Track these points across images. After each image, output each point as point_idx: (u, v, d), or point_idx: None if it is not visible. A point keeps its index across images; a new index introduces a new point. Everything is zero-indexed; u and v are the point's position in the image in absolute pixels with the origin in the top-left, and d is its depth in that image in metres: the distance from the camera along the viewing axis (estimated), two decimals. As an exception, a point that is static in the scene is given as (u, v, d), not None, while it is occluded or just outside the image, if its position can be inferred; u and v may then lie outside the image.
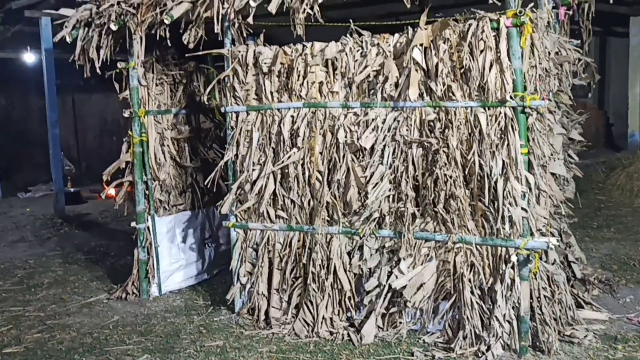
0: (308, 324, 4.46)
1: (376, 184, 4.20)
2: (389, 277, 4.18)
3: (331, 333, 4.34)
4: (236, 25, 4.61)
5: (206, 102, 6.06)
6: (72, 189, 11.00)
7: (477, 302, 3.96)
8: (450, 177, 3.93)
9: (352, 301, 4.43)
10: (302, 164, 4.47)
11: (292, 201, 4.57)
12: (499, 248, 3.90)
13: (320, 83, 4.40)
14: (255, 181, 4.66)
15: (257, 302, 4.72)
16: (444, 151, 3.95)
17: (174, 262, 5.71)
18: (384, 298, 4.22)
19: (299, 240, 4.60)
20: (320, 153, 4.41)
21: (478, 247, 3.97)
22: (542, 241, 3.78)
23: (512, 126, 3.78)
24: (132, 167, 5.48)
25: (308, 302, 4.50)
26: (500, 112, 3.81)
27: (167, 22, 4.69)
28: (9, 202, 11.32)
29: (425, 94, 4.03)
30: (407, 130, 4.08)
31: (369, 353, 4.04)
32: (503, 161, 3.80)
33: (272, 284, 4.69)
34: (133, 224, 5.53)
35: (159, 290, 5.55)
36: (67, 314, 5.17)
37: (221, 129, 6.02)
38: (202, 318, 4.90)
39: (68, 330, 4.78)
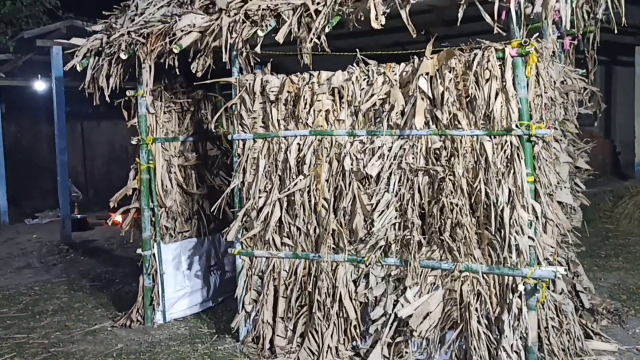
0: (313, 353, 4.42)
1: (382, 211, 4.19)
2: (394, 305, 4.15)
3: (337, 362, 4.30)
4: (244, 54, 4.67)
5: (213, 130, 6.11)
6: (78, 216, 11.04)
7: (484, 332, 3.92)
8: (457, 205, 3.92)
9: (357, 330, 4.39)
10: (308, 192, 4.48)
11: (298, 228, 4.56)
12: (506, 277, 3.87)
13: (327, 111, 4.43)
14: (261, 208, 4.67)
15: (262, 331, 4.69)
16: (450, 179, 3.95)
17: (179, 289, 5.70)
18: (390, 327, 4.18)
19: (304, 268, 4.58)
20: (327, 181, 4.42)
21: (485, 275, 3.94)
22: (549, 270, 3.76)
23: (518, 154, 3.78)
24: (139, 194, 5.50)
25: (313, 330, 4.47)
26: (506, 141, 3.82)
27: (176, 51, 4.76)
28: (16, 228, 11.35)
29: (431, 122, 4.05)
30: (413, 158, 4.09)
31: (374, 383, 3.99)
32: (509, 189, 3.80)
33: (277, 312, 4.66)
34: (139, 250, 5.53)
35: (163, 318, 5.52)
36: (71, 341, 5.14)
37: (228, 156, 6.06)
38: (207, 346, 4.87)
39: (71, 358, 4.75)
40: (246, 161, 4.74)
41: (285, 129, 4.59)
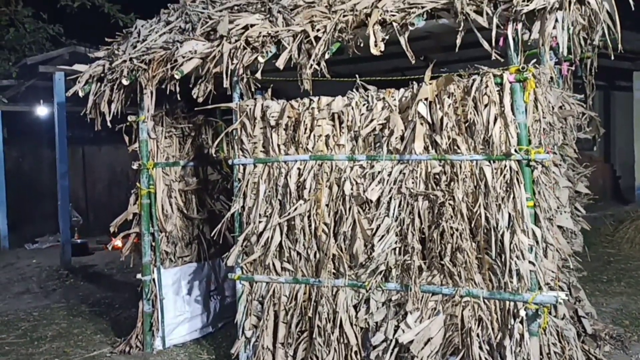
0: (314, 380, 4.37)
1: (382, 236, 4.19)
2: (395, 331, 4.12)
3: (337, 389, 4.25)
4: (244, 80, 4.71)
5: (214, 154, 6.14)
6: (78, 240, 11.02)
7: (485, 358, 3.88)
8: (457, 229, 3.92)
9: (358, 356, 4.35)
10: (309, 216, 4.48)
11: (298, 253, 4.56)
12: (507, 302, 3.85)
13: (327, 136, 4.45)
14: (261, 233, 4.67)
15: (262, 357, 4.65)
16: (449, 204, 3.96)
17: (178, 314, 5.66)
18: (391, 353, 4.15)
19: (304, 293, 4.56)
20: (327, 205, 4.42)
21: (486, 301, 3.92)
22: (550, 295, 3.74)
23: (517, 179, 3.79)
24: (140, 219, 5.51)
25: (314, 356, 4.43)
26: (505, 165, 3.83)
27: (177, 77, 4.80)
28: (16, 253, 11.33)
29: (430, 147, 4.07)
30: (412, 182, 4.10)
31: (375, 410, 3.94)
32: (509, 214, 3.80)
33: (278, 337, 4.63)
34: (139, 275, 5.52)
35: (162, 344, 5.48)
36: (70, 367, 5.10)
37: (228, 180, 6.08)
38: (206, 373, 4.82)
39: (70, 384, 4.71)
40: (246, 186, 4.75)
41: (285, 154, 4.61)
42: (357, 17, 4.26)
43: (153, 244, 5.52)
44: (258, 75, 4.59)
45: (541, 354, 3.80)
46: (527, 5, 3.60)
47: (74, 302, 7.48)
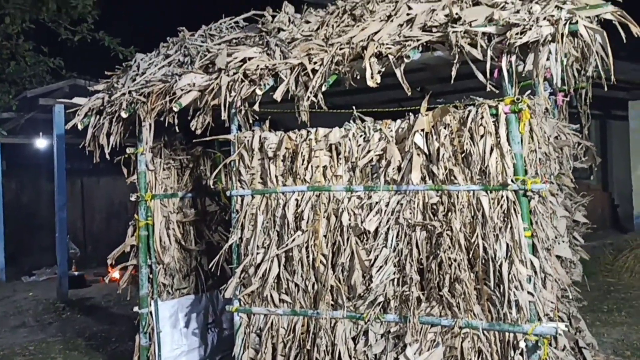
0: (312, 414, 4.31)
1: (380, 267, 4.17)
2: (395, 363, 4.08)
3: (336, 423, 4.19)
4: (242, 112, 4.74)
5: (212, 186, 6.14)
6: (76, 273, 10.96)
7: (486, 391, 3.84)
8: (455, 260, 3.91)
9: (357, 389, 4.29)
10: (306, 247, 4.47)
11: (296, 285, 4.53)
12: (507, 334, 3.82)
13: (324, 167, 4.47)
14: (259, 264, 4.65)
15: (260, 390, 4.59)
16: (447, 234, 3.96)
17: (175, 348, 5.60)
18: (391, 386, 4.10)
19: (303, 325, 4.52)
20: (325, 236, 4.41)
21: (485, 332, 3.89)
22: (550, 326, 3.71)
23: (514, 209, 3.80)
24: (137, 251, 5.49)
25: (312, 390, 4.37)
26: (502, 196, 3.84)
27: (175, 109, 4.84)
28: (13, 286, 11.25)
29: (427, 178, 4.09)
30: (410, 213, 4.11)
31: None
32: (507, 244, 3.80)
33: (276, 371, 4.57)
34: (136, 308, 5.47)
35: (159, 378, 5.41)
36: (65, 403, 5.03)
37: (227, 211, 6.07)
38: (203, 407, 4.75)
39: (65, 420, 4.63)
40: (244, 217, 4.75)
41: (283, 185, 4.62)
42: (353, 50, 4.32)
43: (150, 276, 5.49)
44: (256, 107, 4.63)
45: (542, 386, 3.76)
46: (521, 38, 3.66)
47: (70, 336, 7.40)
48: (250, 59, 4.82)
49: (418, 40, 4.11)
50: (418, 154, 4.08)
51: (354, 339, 4.32)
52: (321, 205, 4.44)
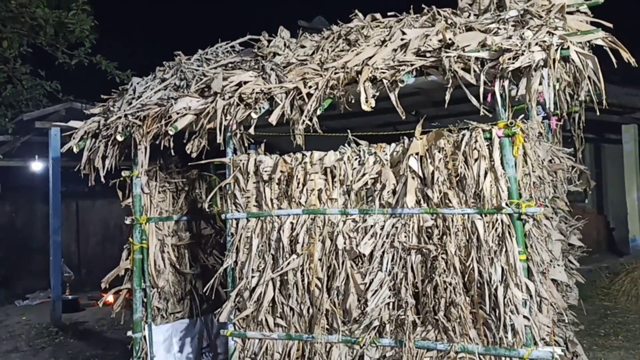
0: None
1: (376, 291, 4.16)
2: (390, 389, 4.04)
3: None
4: (238, 135, 4.76)
5: (208, 209, 6.11)
6: (70, 297, 10.87)
7: (483, 416, 3.80)
8: (450, 284, 3.90)
9: (353, 415, 4.24)
10: (302, 271, 4.45)
11: (291, 309, 4.50)
12: (503, 358, 3.80)
13: (320, 190, 4.47)
14: (254, 288, 4.62)
15: (254, 417, 4.53)
16: (442, 258, 3.95)
17: (169, 373, 5.54)
18: (386, 412, 4.05)
19: (298, 350, 4.48)
20: (320, 260, 4.40)
21: (481, 356, 3.86)
22: (546, 351, 3.69)
23: (509, 233, 3.80)
24: (131, 274, 5.45)
25: (307, 416, 4.31)
26: (497, 219, 3.85)
27: (171, 133, 4.85)
28: (6, 310, 11.14)
29: (422, 201, 4.09)
30: (405, 236, 4.10)
31: None
32: (502, 268, 3.79)
33: (270, 396, 4.52)
34: (129, 333, 5.42)
35: (153, 404, 5.34)
36: None
37: (222, 235, 6.05)
38: None
39: None
40: (239, 240, 4.73)
41: (278, 208, 4.62)
42: (348, 74, 4.36)
43: (145, 300, 5.45)
44: (251, 130, 4.65)
45: (539, 411, 3.72)
46: (513, 63, 3.70)
47: (63, 361, 7.31)
48: (245, 82, 4.85)
49: (412, 65, 4.15)
50: (413, 178, 4.09)
51: (349, 363, 4.29)
52: (316, 229, 4.44)
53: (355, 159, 4.37)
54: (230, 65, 5.46)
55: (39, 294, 12.08)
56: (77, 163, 5.50)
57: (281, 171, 4.57)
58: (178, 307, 5.76)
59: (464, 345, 3.88)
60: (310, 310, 4.43)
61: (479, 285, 3.87)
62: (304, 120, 4.40)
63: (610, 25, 4.13)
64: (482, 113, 3.90)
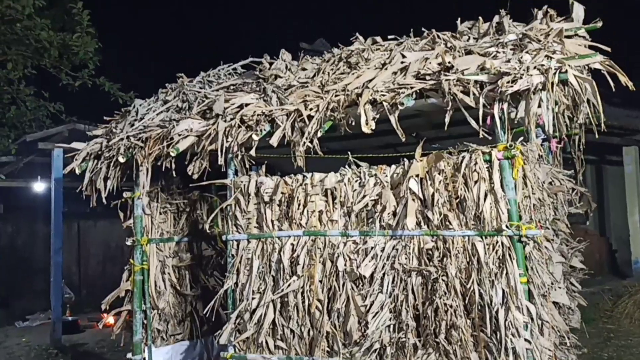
0: None
1: (376, 313, 4.14)
2: (391, 412, 4.01)
3: None
4: (239, 157, 4.79)
5: (209, 230, 6.13)
6: (70, 318, 10.80)
7: None
8: (451, 306, 3.89)
9: None
10: (302, 293, 4.44)
11: (292, 331, 4.49)
12: (504, 381, 3.77)
13: (320, 212, 4.49)
14: (254, 310, 4.61)
15: None
16: (443, 280, 3.95)
17: (169, 395, 5.50)
18: None
19: (298, 373, 4.45)
20: (320, 281, 4.40)
21: (482, 380, 3.84)
22: (548, 374, 3.66)
23: (509, 255, 3.81)
24: (132, 296, 5.44)
25: None
26: (497, 241, 3.85)
27: (173, 154, 4.88)
28: (5, 331, 11.07)
29: (422, 223, 4.10)
30: (405, 258, 4.10)
31: None
32: (503, 290, 3.79)
33: (270, 420, 4.48)
34: (129, 355, 5.39)
35: None
36: None
37: (222, 256, 6.05)
38: None
39: None
40: (240, 262, 4.73)
41: (279, 230, 4.62)
42: (348, 96, 4.40)
43: (145, 321, 5.43)
44: (252, 152, 4.68)
45: None
46: (512, 86, 3.73)
47: (61, 383, 7.25)
48: (247, 105, 4.89)
49: (412, 87, 4.18)
50: (413, 199, 4.11)
51: (349, 386, 4.25)
52: (317, 250, 4.44)
53: (356, 181, 4.38)
54: (232, 87, 5.51)
55: (39, 315, 12.02)
56: (79, 184, 5.52)
57: (282, 193, 4.59)
58: (178, 329, 5.74)
59: (465, 369, 3.86)
60: (311, 333, 4.41)
61: (479, 307, 3.85)
62: (304, 142, 4.43)
63: (608, 49, 4.18)
64: (481, 135, 3.92)
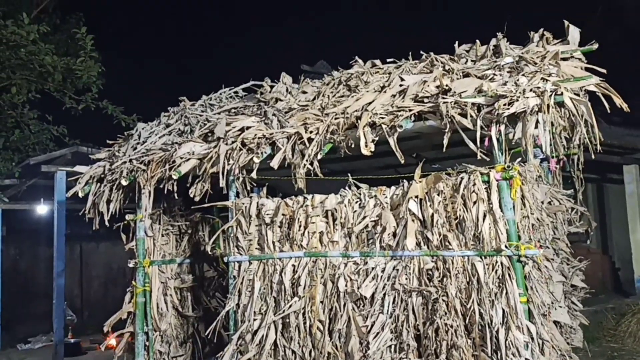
0: None
1: (377, 333, 4.16)
2: None
3: None
4: (240, 179, 4.84)
5: (210, 252, 6.17)
6: (72, 340, 10.76)
7: None
8: (451, 326, 3.91)
9: None
10: (303, 313, 4.47)
11: (293, 352, 4.49)
12: (506, 401, 3.77)
13: (321, 233, 4.52)
14: (256, 331, 4.63)
15: None
16: (443, 300, 3.97)
17: (171, 418, 5.49)
18: None
19: (300, 394, 4.45)
20: (321, 302, 4.42)
21: (484, 400, 3.84)
22: (549, 394, 3.67)
23: (509, 275, 3.83)
24: (134, 318, 5.46)
25: None
26: (496, 261, 3.88)
27: (175, 177, 4.93)
28: (7, 354, 11.03)
29: (422, 243, 4.14)
30: (406, 279, 4.13)
31: None
32: (503, 310, 3.81)
33: None
34: (131, 377, 5.40)
35: None
36: None
37: (224, 277, 6.07)
38: None
39: None
40: (242, 283, 4.76)
41: (280, 251, 4.66)
42: (347, 119, 4.46)
43: (147, 343, 5.45)
44: (253, 174, 4.73)
45: None
46: (508, 108, 3.79)
47: (63, 406, 7.22)
48: (248, 128, 4.96)
49: (410, 110, 4.25)
50: (413, 220, 4.15)
51: (351, 408, 4.25)
52: (318, 271, 4.47)
53: (356, 202, 4.43)
54: (233, 110, 5.59)
55: (41, 337, 11.98)
56: (81, 206, 5.57)
57: (283, 214, 4.63)
58: (180, 351, 5.74)
59: (467, 389, 3.86)
60: (312, 353, 4.42)
61: (480, 327, 3.87)
62: (305, 165, 4.49)
63: (604, 70, 4.24)
64: (479, 157, 3.97)
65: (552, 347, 4.00)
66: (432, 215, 4.07)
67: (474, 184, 3.96)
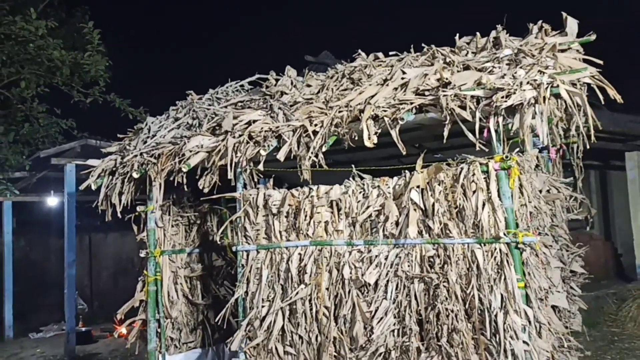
0: None
1: (381, 318, 4.32)
2: (397, 414, 4.17)
3: None
4: (248, 171, 4.98)
5: (219, 241, 6.33)
6: (83, 329, 11.00)
7: None
8: (452, 311, 4.06)
9: None
10: (310, 300, 4.63)
11: (300, 337, 4.66)
12: (505, 382, 3.93)
13: (326, 222, 4.67)
14: (264, 317, 4.79)
15: None
16: (444, 286, 4.12)
17: (183, 402, 5.68)
18: None
19: (307, 377, 4.63)
20: (327, 289, 4.58)
21: (484, 381, 4.00)
22: (546, 374, 3.82)
23: (507, 261, 3.98)
24: (146, 306, 5.64)
25: None
26: (495, 248, 4.03)
27: (184, 170, 5.08)
28: (20, 342, 11.27)
29: (424, 232, 4.28)
30: (408, 266, 4.28)
31: None
32: (501, 295, 3.95)
33: (281, 423, 4.65)
34: (144, 363, 5.58)
35: None
36: None
37: (232, 266, 6.24)
38: None
39: None
40: (250, 271, 4.92)
41: (287, 240, 4.81)
42: (351, 112, 4.59)
43: (158, 330, 5.62)
44: (260, 166, 4.88)
45: None
46: (506, 101, 3.92)
47: (77, 392, 7.42)
48: (254, 121, 5.10)
49: (411, 103, 4.38)
50: (414, 209, 4.29)
51: (357, 390, 4.42)
52: (323, 259, 4.63)
53: (360, 192, 4.57)
54: (239, 104, 5.72)
55: (53, 326, 12.23)
56: (90, 198, 5.74)
57: (289, 205, 4.78)
58: (191, 337, 5.93)
59: (467, 371, 4.02)
60: (319, 338, 4.59)
61: (479, 311, 4.02)
62: (310, 157, 4.63)
63: (601, 62, 4.34)
64: (478, 148, 4.10)
65: (549, 330, 4.16)
66: (433, 205, 4.22)
67: (474, 174, 4.10)
